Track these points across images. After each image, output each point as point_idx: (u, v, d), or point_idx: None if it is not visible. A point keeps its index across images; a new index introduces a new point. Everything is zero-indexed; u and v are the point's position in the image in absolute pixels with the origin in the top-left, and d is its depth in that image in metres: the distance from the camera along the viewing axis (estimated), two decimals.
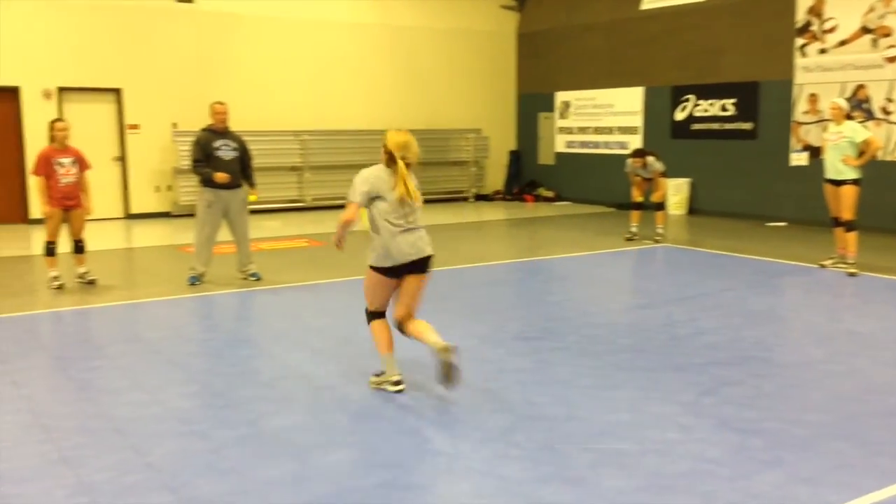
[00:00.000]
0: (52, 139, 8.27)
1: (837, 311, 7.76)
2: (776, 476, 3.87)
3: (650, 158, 11.33)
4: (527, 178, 18.46)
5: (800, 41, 13.12)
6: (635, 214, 11.68)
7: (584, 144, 17.15)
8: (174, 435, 4.40)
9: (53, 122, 8.39)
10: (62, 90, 13.70)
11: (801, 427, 4.50)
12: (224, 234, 8.61)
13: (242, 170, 8.53)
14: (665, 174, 11.48)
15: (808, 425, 4.53)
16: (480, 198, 18.05)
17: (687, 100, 14.99)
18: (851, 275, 8.86)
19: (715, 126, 14.55)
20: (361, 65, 16.52)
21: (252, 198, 8.59)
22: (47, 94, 13.55)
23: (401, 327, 5.11)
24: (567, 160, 17.58)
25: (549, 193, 17.71)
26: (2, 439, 4.33)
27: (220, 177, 8.21)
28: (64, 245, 8.46)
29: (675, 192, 14.84)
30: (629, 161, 11.49)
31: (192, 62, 14.69)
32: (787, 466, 3.98)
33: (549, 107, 17.88)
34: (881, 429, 4.48)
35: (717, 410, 4.76)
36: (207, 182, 8.33)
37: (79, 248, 8.48)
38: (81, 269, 8.53)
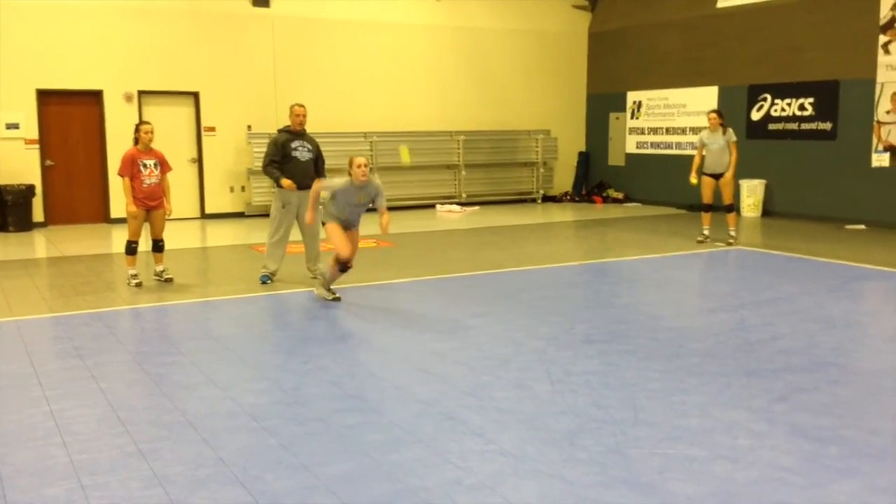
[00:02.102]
0: (138, 141, 8.52)
1: None
2: (852, 486, 3.75)
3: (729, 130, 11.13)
4: (596, 180, 18.29)
5: (883, 38, 12.68)
6: (706, 217, 11.45)
7: (655, 145, 16.90)
8: (245, 430, 4.50)
9: (139, 124, 8.62)
10: (142, 93, 14.15)
11: (879, 436, 4.35)
12: (294, 233, 8.78)
13: (316, 171, 8.68)
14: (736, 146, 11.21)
15: (886, 434, 4.38)
16: (548, 199, 17.96)
17: (764, 99, 14.63)
18: None
19: (792, 126, 14.17)
20: (433, 66, 16.62)
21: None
22: (128, 98, 14.01)
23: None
24: (637, 161, 17.35)
25: (619, 195, 17.51)
26: (81, 431, 4.49)
27: (287, 184, 8.38)
28: (143, 244, 8.72)
29: (750, 193, 14.50)
30: (707, 125, 11.26)
31: (267, 66, 15.00)
32: (863, 476, 3.86)
33: (621, 107, 17.68)
34: None
35: (791, 417, 4.64)
36: (280, 184, 8.50)
37: (158, 247, 8.73)
38: (159, 268, 8.78)
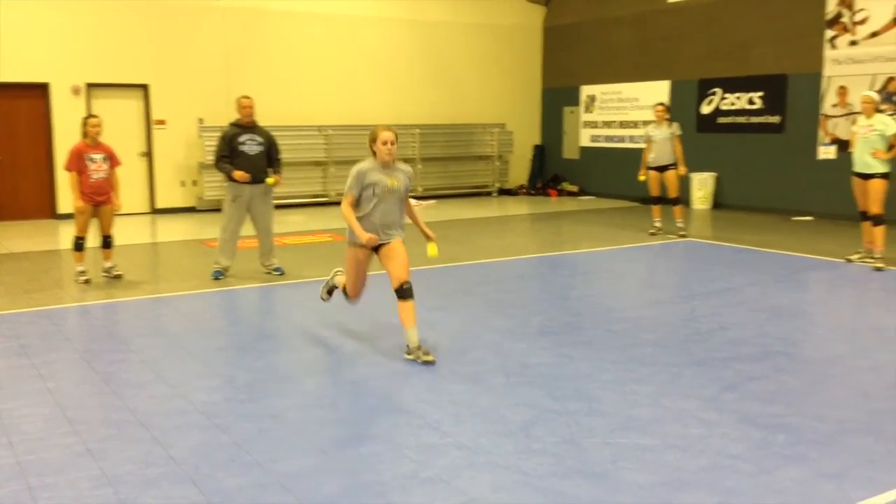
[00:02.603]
0: (85, 135, 8.35)
1: (863, 307, 7.66)
2: (799, 472, 3.84)
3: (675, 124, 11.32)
4: (551, 173, 18.40)
5: (830, 33, 12.95)
6: (656, 209, 11.61)
7: (608, 139, 17.06)
8: (197, 428, 4.44)
9: (87, 118, 8.46)
10: (90, 86, 13.86)
11: (825, 423, 4.45)
12: (248, 228, 8.68)
13: (269, 164, 8.56)
14: (681, 139, 11.42)
15: (832, 421, 4.48)
16: (504, 192, 18.03)
17: (714, 93, 14.85)
18: (878, 269, 8.75)
19: (741, 120, 14.40)
20: (387, 59, 16.55)
21: (270, 180, 8.49)
22: (76, 91, 13.71)
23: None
24: (591, 154, 17.50)
25: (573, 188, 17.65)
26: (28, 431, 4.39)
27: (240, 175, 8.25)
28: (91, 240, 8.56)
29: (700, 186, 14.72)
30: (653, 118, 11.47)
31: (219, 58, 14.79)
32: (810, 462, 3.95)
33: (575, 101, 17.80)
34: None
35: (740, 406, 4.72)
36: (232, 177, 8.39)
37: (107, 243, 8.57)
38: (108, 264, 8.62)
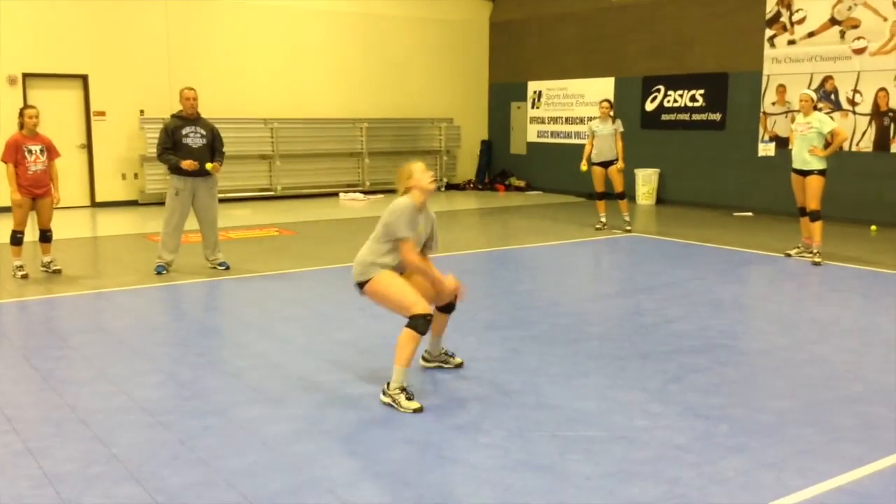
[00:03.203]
0: (22, 126, 8.13)
1: (802, 300, 7.86)
2: (741, 461, 3.93)
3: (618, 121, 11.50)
4: (498, 168, 18.48)
5: (769, 32, 13.25)
6: (601, 204, 11.76)
7: (554, 134, 17.20)
8: (140, 426, 4.35)
9: (24, 108, 8.27)
10: (27, 76, 13.47)
11: (766, 413, 4.56)
12: (191, 222, 8.53)
13: (213, 157, 8.43)
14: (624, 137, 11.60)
15: (772, 412, 4.59)
16: (451, 187, 18.06)
17: (657, 90, 15.07)
18: (816, 264, 8.98)
19: (684, 117, 14.66)
20: (333, 52, 16.42)
21: (209, 166, 8.32)
22: (12, 81, 13.31)
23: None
24: (538, 150, 17.63)
25: (521, 183, 17.76)
26: None
27: (188, 164, 8.11)
28: (29, 234, 8.33)
29: (645, 182, 14.94)
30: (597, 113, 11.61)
31: (161, 48, 14.50)
32: (751, 452, 4.04)
33: (522, 96, 17.91)
34: (843, 415, 4.55)
35: (684, 397, 4.81)
36: (175, 169, 8.24)
37: (45, 237, 8.36)
38: (47, 259, 8.41)
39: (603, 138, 11.43)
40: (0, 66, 13.22)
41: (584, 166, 11.60)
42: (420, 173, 4.94)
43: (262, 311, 7.03)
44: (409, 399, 4.59)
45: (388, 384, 4.67)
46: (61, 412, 4.54)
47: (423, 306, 4.70)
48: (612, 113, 11.51)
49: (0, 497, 3.53)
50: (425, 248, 5.16)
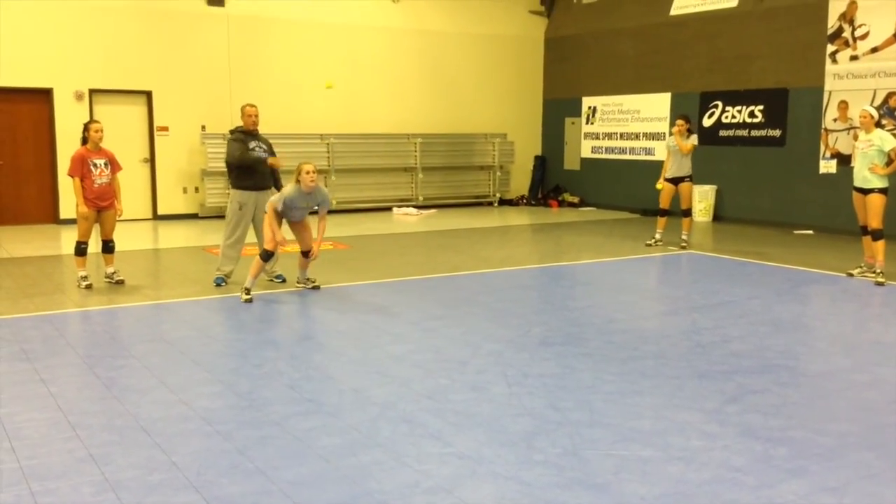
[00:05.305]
0: (87, 140, 8.38)
1: (864, 321, 7.67)
2: (800, 485, 3.84)
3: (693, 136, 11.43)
4: (552, 184, 18.43)
5: (831, 47, 13.00)
6: (661, 221, 11.65)
7: (609, 150, 17.09)
8: (199, 434, 4.44)
9: (89, 123, 8.49)
10: (93, 92, 13.90)
11: (827, 437, 4.46)
12: (251, 236, 8.69)
13: (271, 173, 8.61)
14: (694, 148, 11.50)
15: (833, 435, 4.49)
16: (505, 202, 18.06)
17: (715, 106, 14.89)
18: (879, 284, 8.76)
19: (743, 133, 14.44)
20: (390, 69, 16.60)
21: (272, 160, 8.62)
22: (79, 96, 13.75)
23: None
24: (592, 165, 17.54)
25: (574, 199, 17.68)
26: (30, 436, 4.39)
27: (275, 161, 8.57)
28: (93, 245, 8.56)
29: (701, 199, 14.74)
30: (674, 129, 11.53)
31: (222, 65, 14.84)
32: (811, 476, 3.95)
33: (576, 112, 17.85)
34: None
35: (742, 419, 4.73)
36: (239, 184, 8.42)
37: (108, 248, 8.59)
38: (110, 269, 8.63)
39: (677, 155, 11.35)
40: (68, 83, 13.67)
41: (659, 185, 11.56)
42: (303, 174, 7.71)
43: (318, 323, 7.11)
44: (247, 296, 7.78)
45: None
46: (123, 420, 4.65)
47: (272, 246, 7.83)
48: (689, 127, 11.41)
49: (63, 502, 3.63)
50: (317, 212, 8.02)
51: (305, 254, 8.20)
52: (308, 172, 7.75)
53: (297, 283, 8.51)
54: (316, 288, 8.42)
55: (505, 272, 9.71)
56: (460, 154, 17.36)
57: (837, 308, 8.14)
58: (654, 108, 15.81)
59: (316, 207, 8.05)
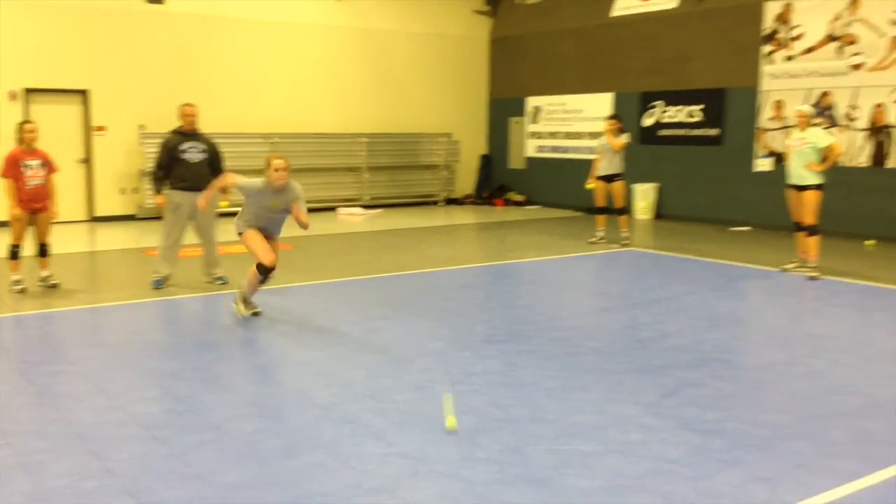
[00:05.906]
0: (21, 141, 8.16)
1: (798, 315, 7.88)
2: (735, 476, 3.93)
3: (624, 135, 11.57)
4: (497, 183, 18.52)
5: (767, 48, 13.31)
6: (600, 219, 11.80)
7: (554, 149, 17.24)
8: (135, 440, 4.36)
9: (22, 123, 8.29)
10: (28, 91, 13.52)
11: (761, 428, 4.57)
12: (190, 237, 8.56)
13: (212, 172, 8.46)
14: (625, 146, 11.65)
15: (767, 426, 4.60)
16: (451, 202, 18.09)
17: (655, 106, 15.13)
18: (812, 279, 9.00)
19: (682, 132, 14.70)
20: (333, 68, 16.49)
21: (223, 204, 8.51)
22: (13, 96, 13.37)
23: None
24: (537, 165, 17.67)
25: (519, 198, 17.79)
26: None
27: (161, 199, 8.40)
28: (27, 248, 8.34)
29: (642, 197, 14.97)
30: (604, 131, 11.66)
31: (161, 64, 14.56)
32: (745, 466, 4.04)
33: (521, 111, 17.97)
34: (838, 429, 4.56)
35: (679, 412, 4.82)
36: (174, 183, 8.30)
37: (43, 251, 8.37)
38: (44, 273, 8.42)
39: (608, 153, 11.51)
40: (1, 82, 13.28)
41: (590, 184, 11.69)
42: (271, 170, 6.84)
43: (259, 326, 7.03)
44: (246, 306, 7.14)
45: (236, 298, 7.20)
46: (57, 426, 4.54)
47: (269, 260, 6.92)
48: (621, 126, 11.56)
49: None
50: (288, 210, 6.98)
51: (266, 274, 7.10)
52: (277, 169, 6.78)
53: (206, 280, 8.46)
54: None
55: (450, 271, 9.73)
56: (406, 153, 17.34)
57: (772, 302, 8.34)
58: (596, 107, 15.98)
59: (287, 208, 7.03)
